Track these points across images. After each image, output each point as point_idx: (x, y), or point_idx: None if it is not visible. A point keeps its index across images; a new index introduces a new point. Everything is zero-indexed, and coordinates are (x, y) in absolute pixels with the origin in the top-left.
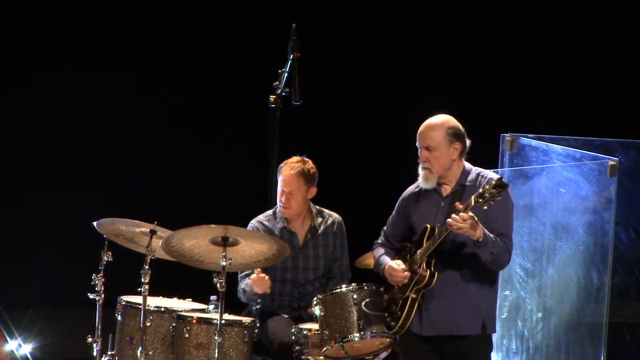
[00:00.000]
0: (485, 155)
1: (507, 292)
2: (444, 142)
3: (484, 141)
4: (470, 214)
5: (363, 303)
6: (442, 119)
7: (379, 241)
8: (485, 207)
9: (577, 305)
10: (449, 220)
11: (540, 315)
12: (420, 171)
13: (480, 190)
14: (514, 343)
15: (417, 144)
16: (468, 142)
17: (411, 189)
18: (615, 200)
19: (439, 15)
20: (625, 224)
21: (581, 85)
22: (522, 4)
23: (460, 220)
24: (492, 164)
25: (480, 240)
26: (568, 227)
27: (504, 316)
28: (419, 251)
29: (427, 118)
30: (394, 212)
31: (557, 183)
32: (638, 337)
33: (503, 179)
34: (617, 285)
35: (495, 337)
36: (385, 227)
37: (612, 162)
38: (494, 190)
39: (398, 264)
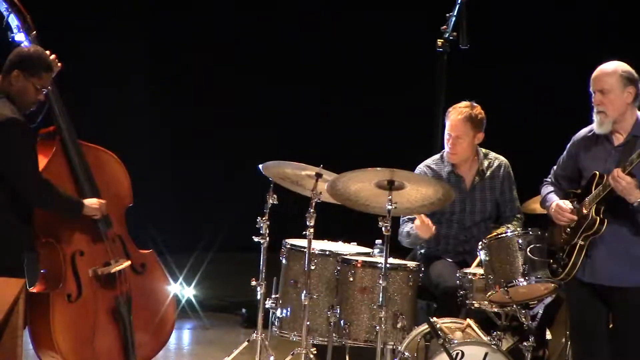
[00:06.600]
0: None
1: None
2: (618, 85)
3: None
4: (629, 179)
5: (528, 248)
6: (615, 64)
7: (548, 179)
8: None
9: None
10: (612, 172)
11: None
12: (595, 116)
13: None
14: None
15: (590, 89)
16: None
17: (583, 132)
18: None
19: None
20: None
21: None
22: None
23: (617, 179)
24: None
25: (635, 205)
26: None
27: None
28: (587, 198)
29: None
30: (564, 153)
31: None
32: None
33: None
34: None
35: None
36: (554, 167)
37: None
38: None
39: (566, 204)
